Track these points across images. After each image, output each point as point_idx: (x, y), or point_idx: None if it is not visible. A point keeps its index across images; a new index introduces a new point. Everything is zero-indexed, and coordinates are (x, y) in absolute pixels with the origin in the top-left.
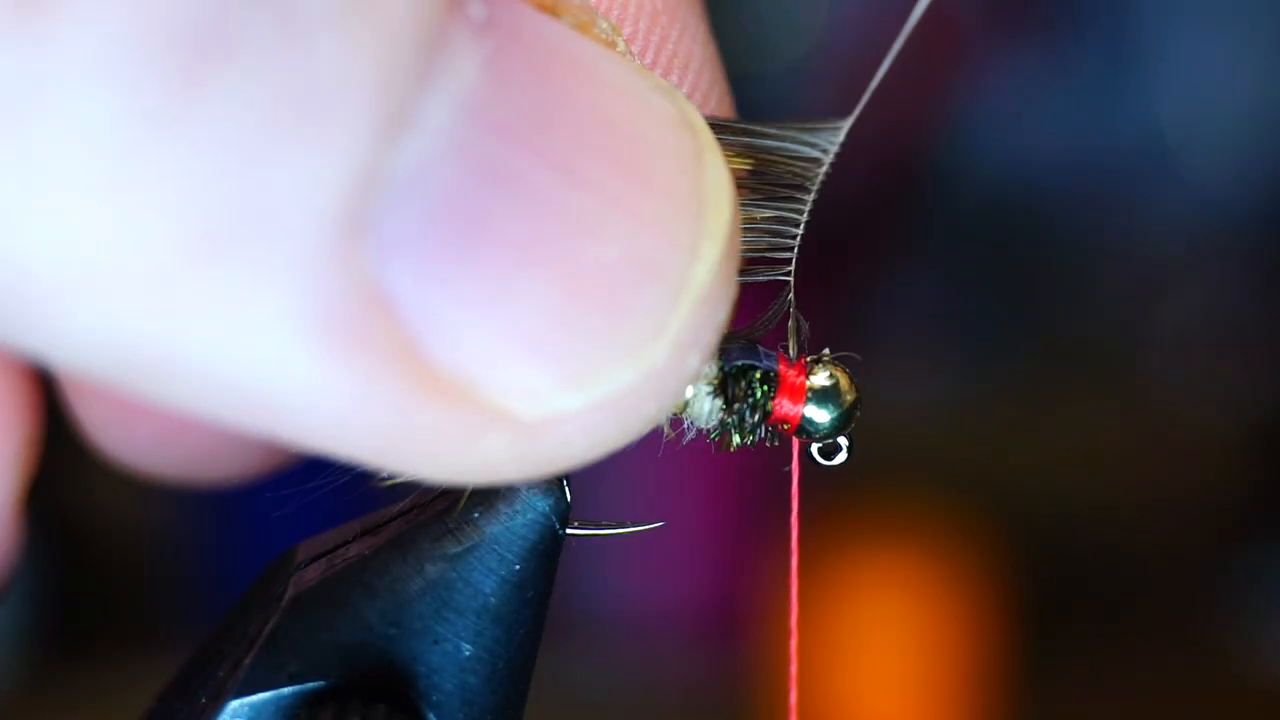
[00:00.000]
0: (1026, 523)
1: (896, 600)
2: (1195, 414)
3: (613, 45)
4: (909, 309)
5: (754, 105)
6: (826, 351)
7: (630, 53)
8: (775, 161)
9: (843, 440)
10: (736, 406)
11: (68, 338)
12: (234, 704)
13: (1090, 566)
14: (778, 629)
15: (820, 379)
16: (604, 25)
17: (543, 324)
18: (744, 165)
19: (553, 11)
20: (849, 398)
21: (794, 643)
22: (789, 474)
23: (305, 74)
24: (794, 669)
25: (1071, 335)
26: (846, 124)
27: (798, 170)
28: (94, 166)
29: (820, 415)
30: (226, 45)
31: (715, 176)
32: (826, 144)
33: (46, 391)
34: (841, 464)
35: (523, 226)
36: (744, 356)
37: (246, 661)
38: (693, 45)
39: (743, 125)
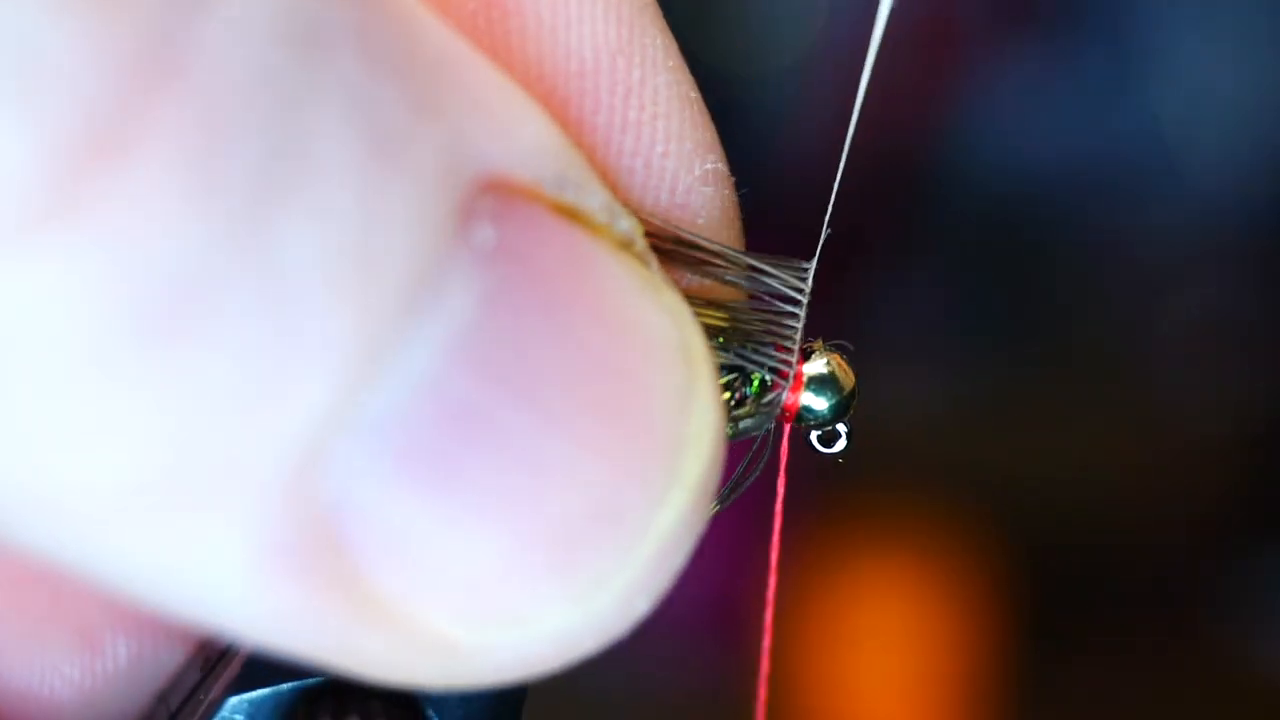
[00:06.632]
0: (1026, 523)
1: (897, 601)
2: (1196, 414)
3: (630, 245)
4: (909, 309)
5: (754, 106)
6: (820, 339)
7: (647, 254)
8: (748, 316)
9: (841, 428)
10: (731, 394)
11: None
12: (233, 700)
13: (1090, 567)
14: (778, 629)
15: (817, 366)
16: (625, 225)
17: (492, 566)
18: (717, 320)
19: (571, 215)
20: (846, 384)
21: (767, 641)
22: (790, 467)
23: (286, 334)
24: (765, 666)
25: (1072, 336)
26: (811, 265)
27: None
28: (58, 407)
29: (818, 402)
30: (206, 306)
31: (701, 417)
32: (796, 286)
33: None
34: (841, 452)
35: (491, 474)
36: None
37: (245, 657)
38: (664, 82)
39: (718, 260)
